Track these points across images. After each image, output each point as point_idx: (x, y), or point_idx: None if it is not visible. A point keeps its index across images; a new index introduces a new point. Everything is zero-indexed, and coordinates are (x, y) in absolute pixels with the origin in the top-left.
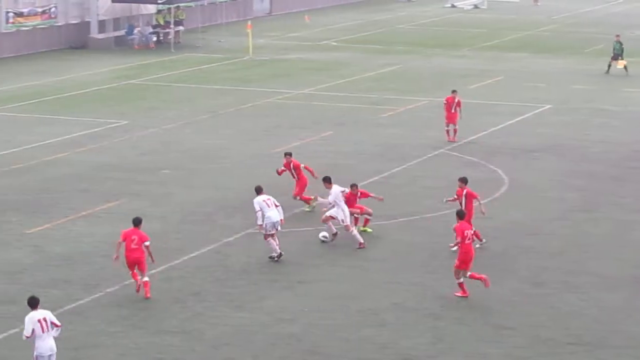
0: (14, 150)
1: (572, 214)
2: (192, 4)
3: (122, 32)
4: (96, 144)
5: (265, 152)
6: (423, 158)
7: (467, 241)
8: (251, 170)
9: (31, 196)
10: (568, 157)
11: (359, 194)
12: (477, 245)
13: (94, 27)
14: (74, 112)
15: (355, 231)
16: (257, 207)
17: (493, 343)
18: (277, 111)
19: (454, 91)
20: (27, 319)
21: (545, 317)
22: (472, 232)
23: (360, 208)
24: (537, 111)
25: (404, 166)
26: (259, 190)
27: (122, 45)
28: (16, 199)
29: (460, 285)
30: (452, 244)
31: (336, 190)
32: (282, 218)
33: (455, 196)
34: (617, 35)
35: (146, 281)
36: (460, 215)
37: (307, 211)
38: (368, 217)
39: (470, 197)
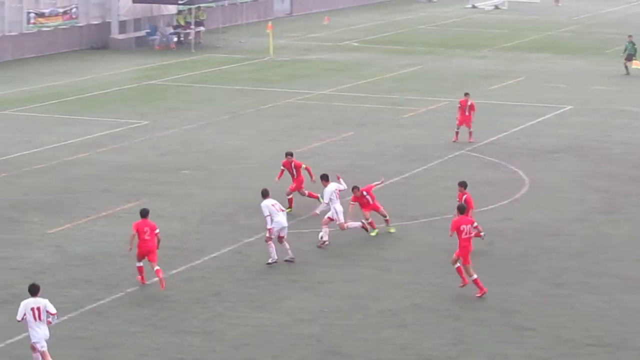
0: (36, 150)
1: (593, 215)
2: (212, 4)
3: (143, 33)
4: (117, 144)
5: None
6: (444, 159)
7: (464, 236)
8: (271, 171)
9: (52, 196)
10: (589, 158)
11: (364, 193)
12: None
13: (114, 28)
14: (94, 113)
15: (351, 225)
16: (266, 212)
17: (513, 344)
18: (297, 112)
19: (466, 94)
20: (22, 304)
21: (566, 318)
22: (471, 226)
23: (376, 208)
24: (557, 112)
25: (424, 167)
26: (265, 194)
27: (142, 45)
28: (37, 199)
29: (475, 281)
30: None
31: (330, 188)
32: (286, 225)
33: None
34: (630, 36)
35: (158, 270)
36: (461, 209)
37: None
38: (385, 218)
39: (469, 202)
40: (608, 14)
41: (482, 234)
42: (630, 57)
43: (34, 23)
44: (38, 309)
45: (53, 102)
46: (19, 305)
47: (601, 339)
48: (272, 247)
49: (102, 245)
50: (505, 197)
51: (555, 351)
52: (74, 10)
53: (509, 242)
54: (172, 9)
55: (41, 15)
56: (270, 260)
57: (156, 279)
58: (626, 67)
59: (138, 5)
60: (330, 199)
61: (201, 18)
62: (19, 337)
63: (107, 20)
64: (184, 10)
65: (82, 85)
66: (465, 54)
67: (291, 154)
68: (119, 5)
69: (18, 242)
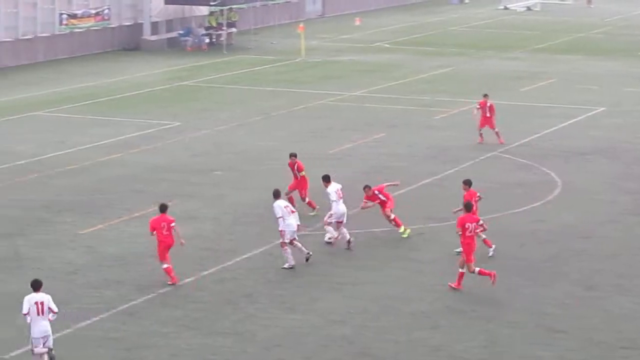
0: (68, 151)
1: (625, 217)
2: (244, 5)
3: (174, 34)
4: (149, 145)
5: (318, 154)
6: (475, 160)
7: (468, 233)
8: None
9: (85, 197)
10: (621, 159)
11: (375, 192)
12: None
13: (146, 29)
14: (127, 114)
15: (331, 229)
16: (279, 213)
17: (545, 346)
18: (329, 113)
19: (485, 95)
20: (25, 298)
21: (598, 320)
22: (476, 224)
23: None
24: (589, 114)
25: (456, 168)
26: (277, 195)
27: (174, 46)
28: (70, 199)
29: (481, 272)
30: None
31: (331, 189)
32: (299, 223)
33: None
34: None
35: (169, 268)
36: (468, 207)
37: (312, 215)
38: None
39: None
40: None
41: (483, 235)
42: None
43: (66, 24)
44: (42, 303)
45: (86, 103)
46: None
47: (634, 341)
48: (288, 251)
49: (134, 246)
50: (538, 199)
51: (587, 353)
52: (106, 11)
53: (541, 244)
54: (203, 10)
55: (73, 16)
56: (286, 265)
57: (185, 279)
58: None
59: (170, 6)
60: (334, 202)
61: (233, 19)
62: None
63: (139, 21)
64: (216, 12)
65: (115, 87)
66: (497, 55)
67: (295, 155)
68: (150, 7)
69: (50, 242)
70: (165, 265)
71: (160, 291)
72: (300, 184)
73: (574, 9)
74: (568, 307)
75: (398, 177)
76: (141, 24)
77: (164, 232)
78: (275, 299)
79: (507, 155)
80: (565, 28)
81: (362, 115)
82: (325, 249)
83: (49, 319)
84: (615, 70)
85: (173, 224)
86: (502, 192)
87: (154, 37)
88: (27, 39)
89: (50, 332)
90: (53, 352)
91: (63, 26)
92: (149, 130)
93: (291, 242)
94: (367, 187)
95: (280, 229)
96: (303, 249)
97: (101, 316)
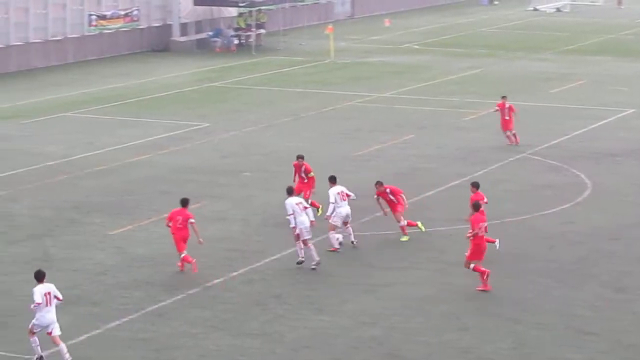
0: (97, 152)
1: None
2: (273, 6)
3: (203, 35)
4: (178, 146)
5: (346, 155)
6: (505, 162)
7: (480, 233)
8: (330, 173)
9: (114, 198)
10: None
11: (387, 190)
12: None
13: (175, 30)
14: (156, 114)
15: (332, 236)
16: (290, 210)
17: (574, 348)
18: (358, 114)
19: (503, 97)
20: (35, 289)
21: (627, 323)
22: (486, 225)
23: (399, 210)
24: (619, 115)
25: (485, 170)
26: (290, 192)
27: (203, 48)
28: (99, 200)
29: (476, 269)
30: (469, 234)
31: (334, 190)
32: (313, 220)
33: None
34: None
35: (186, 256)
36: (476, 207)
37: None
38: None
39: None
40: None
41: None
42: None
43: (95, 25)
44: (49, 293)
45: (115, 104)
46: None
47: None
48: (301, 246)
49: (163, 247)
50: (567, 201)
51: (617, 356)
52: (135, 12)
53: (570, 246)
54: (232, 11)
55: (103, 17)
56: (299, 260)
57: (214, 280)
58: None
59: (199, 7)
60: (335, 200)
61: (262, 20)
62: (82, 338)
63: (168, 22)
64: (245, 13)
65: (143, 88)
66: (527, 56)
67: (302, 157)
68: (180, 8)
69: (80, 243)
70: (183, 254)
71: (189, 292)
72: (306, 185)
73: (604, 10)
74: (598, 309)
75: (427, 178)
76: (170, 25)
77: (178, 225)
78: (304, 300)
79: (536, 157)
80: (595, 29)
81: (391, 116)
82: (353, 250)
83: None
84: None
85: (192, 220)
86: (532, 193)
87: (183, 38)
88: (57, 40)
89: (55, 320)
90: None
91: (92, 27)
92: (178, 131)
93: (305, 244)
94: (378, 183)
95: (291, 225)
96: (314, 256)
97: (130, 317)
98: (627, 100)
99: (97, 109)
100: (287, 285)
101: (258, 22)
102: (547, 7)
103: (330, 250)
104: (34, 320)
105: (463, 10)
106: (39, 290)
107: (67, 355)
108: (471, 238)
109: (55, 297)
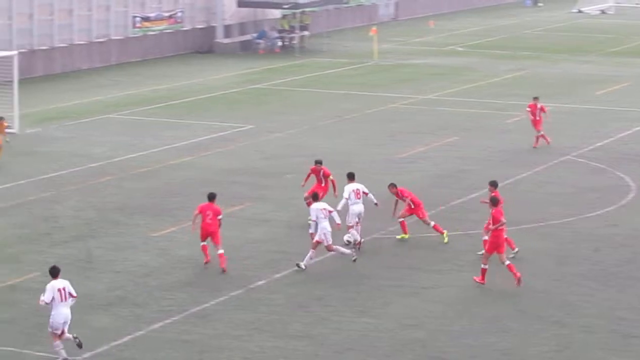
0: (141, 153)
1: None
2: (317, 8)
3: (247, 37)
4: (221, 148)
5: (390, 158)
6: (549, 164)
7: (499, 227)
8: (375, 176)
9: (157, 199)
10: None
11: (398, 193)
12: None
13: (219, 32)
14: (199, 116)
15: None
16: (313, 216)
17: (620, 352)
18: (401, 116)
19: (535, 98)
20: (48, 286)
21: None
22: (504, 221)
23: (416, 213)
24: None
25: (529, 172)
26: (315, 197)
27: (247, 49)
28: (143, 202)
29: (483, 271)
30: (491, 228)
31: (350, 187)
32: (339, 222)
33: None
34: None
35: (221, 253)
36: (494, 202)
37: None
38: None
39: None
40: None
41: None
42: None
43: (139, 27)
44: (64, 289)
45: (158, 105)
46: (123, 305)
47: None
48: (314, 254)
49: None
50: (612, 203)
51: None
52: (179, 14)
53: (615, 249)
54: (276, 13)
55: (147, 19)
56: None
57: (257, 282)
58: None
59: (243, 9)
60: (349, 197)
61: (306, 22)
62: (125, 339)
63: (212, 24)
64: (289, 15)
65: (187, 89)
66: (571, 58)
67: (320, 162)
68: (223, 10)
69: (123, 244)
70: (202, 243)
71: (233, 294)
72: (323, 188)
73: None
74: None
75: (470, 181)
76: (214, 27)
77: (208, 220)
78: (348, 302)
79: (581, 160)
80: None
81: (435, 118)
82: (396, 252)
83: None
84: None
85: (220, 216)
86: (576, 196)
87: (226, 40)
88: (101, 42)
89: (69, 317)
90: (78, 339)
91: (136, 29)
92: (222, 133)
93: (329, 249)
94: (392, 185)
95: (310, 231)
96: (345, 250)
97: (173, 318)
98: None
99: (140, 111)
100: (330, 288)
101: (302, 24)
102: (592, 9)
103: (358, 247)
104: (50, 320)
105: (507, 12)
106: (51, 287)
107: (63, 352)
108: (490, 232)
109: (70, 293)
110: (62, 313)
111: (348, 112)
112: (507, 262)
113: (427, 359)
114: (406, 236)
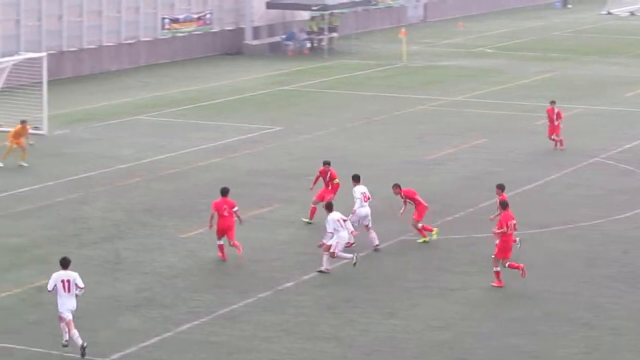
0: (169, 155)
1: None
2: (346, 10)
3: (276, 39)
4: (250, 150)
5: (418, 160)
6: (578, 166)
7: (508, 231)
8: (403, 178)
9: (185, 201)
10: None
11: (402, 194)
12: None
13: (248, 34)
14: (228, 118)
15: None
16: (330, 228)
17: None
18: (430, 118)
19: (552, 102)
20: (53, 275)
21: None
22: (514, 223)
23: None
24: None
25: (558, 174)
26: (330, 207)
27: (276, 51)
28: (171, 203)
29: (497, 274)
30: (496, 232)
31: (359, 189)
32: (353, 230)
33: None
34: None
35: (236, 242)
36: (504, 205)
37: (307, 222)
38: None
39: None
40: None
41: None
42: None
43: (168, 29)
44: (68, 281)
45: (187, 107)
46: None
47: None
48: (326, 259)
49: (234, 250)
50: None
51: None
52: (208, 16)
53: (629, 251)
54: (305, 15)
55: (176, 21)
56: (323, 269)
57: (286, 284)
58: None
59: (271, 11)
60: (358, 199)
61: (334, 24)
62: (153, 341)
63: (241, 26)
64: (317, 16)
65: (216, 91)
66: (600, 60)
67: (328, 163)
68: (252, 11)
69: (151, 246)
70: (219, 242)
71: (261, 295)
72: (329, 191)
73: None
74: None
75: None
76: (243, 29)
77: (225, 214)
78: (375, 304)
79: (610, 162)
80: None
81: (463, 120)
82: (423, 254)
83: (75, 294)
84: None
85: (235, 208)
86: (605, 198)
87: (255, 42)
88: (130, 44)
89: (75, 307)
90: (85, 347)
91: (165, 30)
92: (250, 135)
93: (333, 255)
94: (395, 186)
95: (328, 242)
96: (329, 264)
97: (201, 320)
98: None
99: (169, 112)
100: (357, 289)
101: (330, 26)
102: (621, 11)
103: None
104: (58, 308)
105: (536, 13)
106: (55, 277)
107: (66, 338)
108: (499, 236)
109: (76, 285)
110: (65, 303)
111: (376, 114)
112: (507, 263)
113: None
114: (427, 239)
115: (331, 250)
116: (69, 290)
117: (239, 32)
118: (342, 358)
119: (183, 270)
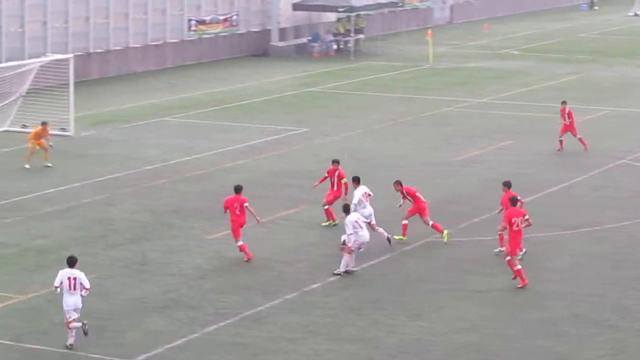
0: (196, 156)
1: None
2: (372, 12)
3: (302, 40)
4: (276, 151)
5: (445, 161)
6: (604, 168)
7: (515, 228)
8: (428, 179)
9: (211, 202)
10: None
11: (403, 191)
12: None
13: (274, 35)
14: (254, 119)
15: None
16: (350, 230)
17: None
18: (456, 120)
19: (564, 102)
20: (59, 273)
21: None
22: (522, 219)
23: (420, 212)
24: None
25: (585, 176)
26: (347, 210)
27: (302, 53)
28: (197, 204)
29: (519, 272)
30: (499, 230)
31: (359, 191)
32: (371, 227)
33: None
34: None
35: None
36: (513, 201)
37: (325, 225)
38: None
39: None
40: None
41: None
42: None
43: (195, 30)
44: (74, 279)
45: (213, 108)
46: (178, 308)
47: None
48: (349, 258)
49: (260, 252)
50: None
51: None
52: (234, 17)
53: None
54: (331, 16)
55: (202, 22)
56: (339, 270)
57: (312, 285)
58: None
59: (298, 12)
60: (359, 201)
61: (361, 25)
62: (179, 342)
63: (267, 27)
64: (344, 18)
65: (242, 92)
66: (627, 62)
67: (338, 162)
68: (279, 13)
69: (178, 247)
70: (239, 243)
71: (287, 297)
72: (336, 192)
73: None
74: None
75: (525, 184)
76: (269, 30)
77: (237, 212)
78: (401, 305)
79: (636, 163)
80: None
81: (489, 122)
82: (449, 256)
83: (80, 295)
84: None
85: (246, 204)
86: (632, 199)
87: (281, 43)
88: (156, 45)
89: (80, 306)
90: (86, 326)
91: (191, 32)
92: (276, 136)
93: (345, 249)
94: (397, 183)
95: (348, 244)
96: (351, 265)
97: (228, 321)
98: None
99: (195, 114)
100: (383, 291)
101: (357, 27)
102: None
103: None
104: (64, 307)
105: (563, 15)
106: (61, 274)
107: (70, 341)
108: (504, 231)
109: (82, 284)
110: (69, 300)
111: (403, 116)
112: (508, 259)
113: None
114: (405, 238)
115: (350, 246)
116: (74, 288)
117: (265, 33)
118: None
119: (209, 272)
